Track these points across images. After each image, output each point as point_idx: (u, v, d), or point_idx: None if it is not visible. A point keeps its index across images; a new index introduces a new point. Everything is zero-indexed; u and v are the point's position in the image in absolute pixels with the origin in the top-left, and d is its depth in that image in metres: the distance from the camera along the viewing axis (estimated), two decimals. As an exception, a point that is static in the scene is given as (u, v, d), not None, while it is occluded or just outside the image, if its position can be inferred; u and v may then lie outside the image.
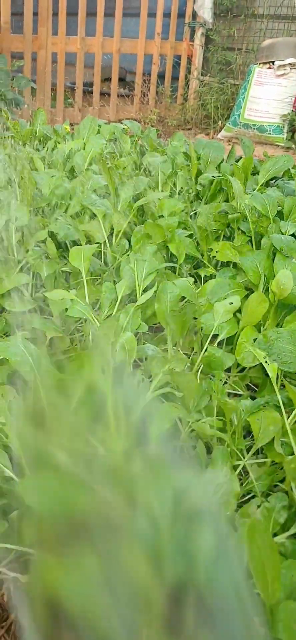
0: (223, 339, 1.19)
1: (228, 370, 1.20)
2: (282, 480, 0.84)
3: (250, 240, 1.50)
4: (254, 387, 1.17)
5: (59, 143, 1.98)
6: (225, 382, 1.18)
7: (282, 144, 4.68)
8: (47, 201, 1.34)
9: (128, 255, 1.23)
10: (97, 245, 1.21)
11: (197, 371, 1.08)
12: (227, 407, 0.82)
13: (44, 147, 1.99)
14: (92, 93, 4.68)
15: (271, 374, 0.85)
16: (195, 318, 1.11)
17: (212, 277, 1.42)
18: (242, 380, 1.18)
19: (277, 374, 0.95)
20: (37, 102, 4.20)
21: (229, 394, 1.14)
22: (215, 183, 1.74)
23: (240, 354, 0.99)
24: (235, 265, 1.47)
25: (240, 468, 0.83)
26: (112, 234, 1.46)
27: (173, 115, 4.96)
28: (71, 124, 3.34)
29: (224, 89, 5.09)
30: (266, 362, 0.85)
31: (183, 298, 1.29)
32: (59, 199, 1.42)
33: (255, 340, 1.00)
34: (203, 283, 1.42)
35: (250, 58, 5.07)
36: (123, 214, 1.42)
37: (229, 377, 1.19)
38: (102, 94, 4.75)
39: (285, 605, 0.51)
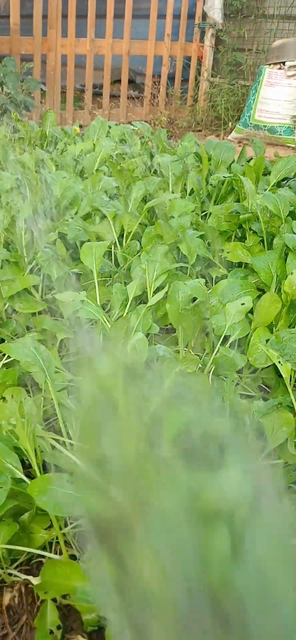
0: (235, 340, 1.18)
1: (240, 371, 1.19)
2: (295, 482, 0.82)
3: (262, 241, 1.48)
4: (266, 389, 1.15)
5: (68, 145, 1.98)
6: (237, 384, 1.16)
7: (293, 145, 4.64)
8: (58, 203, 1.34)
9: (139, 256, 1.23)
10: (109, 242, 1.20)
11: (209, 372, 1.07)
12: (239, 409, 0.81)
13: (54, 149, 1.99)
14: (101, 95, 4.69)
15: (285, 375, 0.83)
16: (207, 319, 1.10)
17: (223, 278, 1.41)
18: (254, 381, 1.16)
19: (290, 375, 0.94)
20: (47, 104, 4.22)
21: (241, 395, 1.12)
22: (226, 183, 1.73)
23: (252, 355, 0.98)
24: (246, 265, 1.46)
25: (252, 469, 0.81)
26: (122, 235, 1.45)
27: (183, 117, 4.95)
28: (81, 126, 3.35)
29: (234, 90, 5.07)
30: (279, 362, 0.84)
31: (195, 299, 1.28)
32: (69, 201, 1.41)
33: (267, 341, 0.99)
34: (215, 284, 1.41)
35: (261, 59, 5.04)
36: (134, 215, 1.41)
37: (241, 378, 1.18)
38: (112, 96, 4.76)
39: None
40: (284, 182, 2.10)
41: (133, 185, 1.42)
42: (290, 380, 0.99)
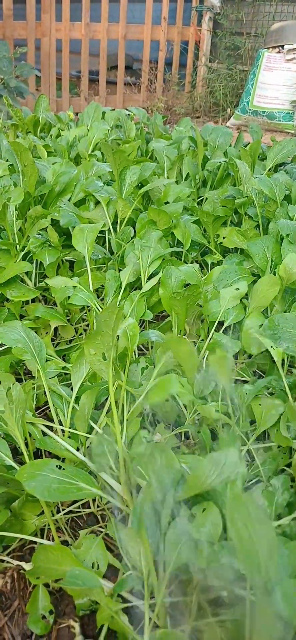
0: (230, 326, 1.17)
1: (236, 356, 1.18)
2: (289, 465, 0.82)
3: (258, 226, 1.47)
4: (261, 374, 1.15)
5: (62, 130, 1.96)
6: (232, 369, 1.16)
7: (292, 131, 4.60)
8: (50, 188, 1.33)
9: (133, 242, 1.21)
10: (101, 225, 1.19)
11: (203, 358, 1.06)
12: (231, 392, 0.80)
13: (47, 135, 1.97)
14: (98, 82, 4.64)
15: (277, 359, 0.83)
16: (201, 306, 1.09)
17: (218, 263, 1.40)
18: (249, 366, 1.16)
19: (283, 360, 0.93)
20: (42, 91, 4.18)
21: (236, 381, 1.12)
22: (222, 168, 1.71)
23: (246, 341, 0.97)
24: (242, 251, 1.44)
25: (243, 452, 0.81)
26: (116, 221, 1.44)
27: (181, 103, 4.89)
28: (76, 113, 3.31)
29: (233, 75, 5.01)
30: (271, 347, 0.83)
31: (189, 285, 1.27)
32: (62, 186, 1.40)
33: (260, 326, 0.98)
34: (210, 269, 1.40)
35: (259, 43, 4.98)
36: (128, 201, 1.39)
37: (236, 363, 1.17)
38: (109, 82, 4.71)
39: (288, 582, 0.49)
40: (281, 167, 2.08)
41: (128, 170, 1.41)
42: (283, 365, 0.99)
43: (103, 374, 0.75)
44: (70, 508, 0.82)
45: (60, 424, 0.84)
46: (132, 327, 0.86)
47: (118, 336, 0.87)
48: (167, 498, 0.68)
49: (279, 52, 4.69)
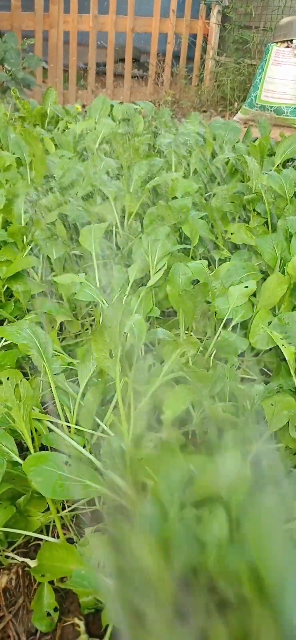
0: (238, 324, 1.16)
1: (242, 355, 1.17)
2: (297, 468, 0.81)
3: (266, 222, 1.45)
4: (268, 372, 1.14)
5: (69, 123, 1.94)
6: (239, 367, 1.15)
7: (300, 126, 4.56)
8: (58, 183, 1.32)
9: (141, 237, 1.20)
10: (108, 224, 1.18)
11: (210, 356, 1.05)
12: (239, 393, 0.79)
13: (55, 128, 1.95)
14: (105, 74, 4.61)
15: (288, 358, 0.82)
16: (209, 302, 1.08)
17: (226, 260, 1.38)
18: (256, 365, 1.15)
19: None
20: (50, 83, 4.15)
21: (243, 379, 1.11)
22: (231, 164, 1.69)
23: (254, 338, 0.96)
24: (250, 248, 1.43)
25: (251, 454, 0.80)
26: (124, 216, 1.43)
27: (189, 97, 4.86)
28: (83, 106, 3.29)
29: (240, 69, 4.96)
30: (283, 345, 0.82)
31: (197, 281, 1.26)
32: (70, 181, 1.39)
33: (269, 323, 0.97)
34: (218, 266, 1.39)
35: (268, 37, 4.93)
36: (136, 196, 1.38)
37: (243, 361, 1.16)
38: (116, 75, 4.68)
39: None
40: (289, 163, 2.06)
41: (135, 165, 1.39)
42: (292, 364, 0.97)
43: (110, 370, 0.74)
44: (76, 505, 0.82)
45: (67, 421, 0.84)
46: (139, 323, 0.85)
47: (125, 333, 0.86)
48: (175, 499, 0.67)
49: (288, 46, 4.64)
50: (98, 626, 0.70)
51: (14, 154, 1.53)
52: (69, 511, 0.81)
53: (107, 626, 0.67)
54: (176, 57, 4.88)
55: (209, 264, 1.50)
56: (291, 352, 0.82)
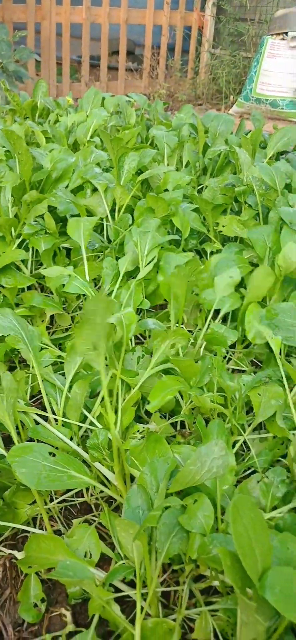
0: (228, 315, 1.16)
1: (233, 346, 1.17)
2: (284, 456, 0.81)
3: (257, 215, 1.45)
4: (258, 363, 1.14)
5: (60, 116, 1.93)
6: (230, 359, 1.15)
7: (295, 120, 4.54)
8: (46, 175, 1.31)
9: (131, 230, 1.20)
10: (98, 218, 1.17)
11: (200, 347, 1.05)
12: (225, 386, 0.79)
13: (45, 120, 1.94)
14: (99, 67, 4.58)
15: (275, 348, 0.82)
16: (197, 294, 1.08)
17: (218, 252, 1.38)
18: (247, 356, 1.15)
19: (280, 349, 0.92)
20: (42, 76, 4.13)
21: (233, 370, 1.11)
22: (223, 156, 1.69)
23: (248, 332, 0.96)
24: (242, 240, 1.43)
25: (239, 443, 0.80)
26: (115, 208, 1.42)
27: (184, 90, 4.84)
28: (76, 99, 3.28)
29: (236, 62, 4.94)
30: (270, 337, 0.82)
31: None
32: (59, 173, 1.38)
33: (259, 316, 0.97)
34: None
35: (263, 29, 4.90)
36: (127, 188, 1.38)
37: (234, 353, 1.16)
38: (110, 68, 4.65)
39: (276, 570, 0.49)
40: (283, 155, 2.05)
41: (126, 157, 1.39)
42: (281, 354, 0.98)
43: (94, 363, 0.73)
44: (64, 497, 0.82)
45: (54, 413, 0.84)
46: (128, 315, 0.85)
47: (115, 326, 0.85)
48: (160, 489, 0.67)
49: (283, 39, 4.62)
50: (85, 616, 0.70)
51: (3, 147, 1.52)
52: (57, 503, 0.81)
53: (93, 616, 0.67)
54: (171, 49, 4.85)
55: (200, 256, 1.50)
56: (278, 342, 0.82)
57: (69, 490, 0.83)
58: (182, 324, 1.16)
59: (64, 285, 1.03)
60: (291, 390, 0.85)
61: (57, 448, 0.78)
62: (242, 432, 0.81)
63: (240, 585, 0.50)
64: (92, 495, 0.85)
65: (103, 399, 0.87)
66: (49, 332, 1.16)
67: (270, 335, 0.82)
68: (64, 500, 0.82)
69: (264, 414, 0.78)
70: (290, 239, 1.18)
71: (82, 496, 0.84)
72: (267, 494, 0.68)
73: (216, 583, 0.68)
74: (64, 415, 0.82)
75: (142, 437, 0.80)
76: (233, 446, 0.83)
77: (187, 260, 1.05)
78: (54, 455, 0.67)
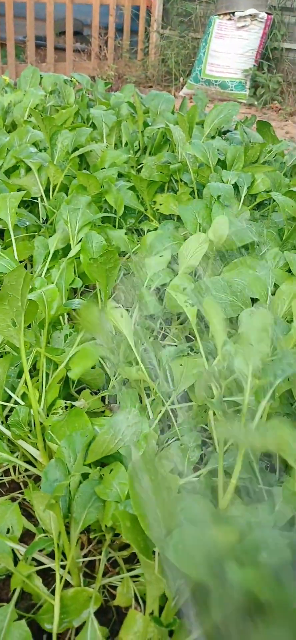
0: (159, 289, 1.17)
1: (169, 322, 1.19)
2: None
3: (193, 192, 1.47)
4: (193, 339, 1.16)
5: (-4, 95, 1.87)
6: (165, 335, 1.17)
7: (244, 101, 4.59)
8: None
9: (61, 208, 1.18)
10: (23, 193, 1.15)
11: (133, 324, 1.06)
12: (144, 356, 0.81)
13: (-20, 100, 1.88)
14: (45, 47, 4.46)
15: (191, 318, 0.83)
16: (127, 273, 1.08)
17: (155, 230, 1.39)
18: (182, 332, 1.17)
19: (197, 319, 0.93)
20: (-14, 57, 3.98)
21: (169, 346, 1.13)
22: (160, 134, 1.69)
23: (170, 301, 0.98)
24: (179, 218, 1.44)
25: (162, 412, 0.82)
26: (49, 188, 1.40)
27: (133, 71, 4.79)
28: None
29: (185, 43, 4.93)
30: (186, 305, 0.84)
31: (124, 253, 1.26)
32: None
33: (185, 289, 0.99)
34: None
35: (211, 9, 4.91)
36: (60, 166, 1.36)
37: (170, 329, 1.18)
38: (58, 48, 4.53)
39: (180, 531, 0.50)
40: (225, 134, 2.08)
41: (59, 135, 1.36)
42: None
43: (14, 340, 0.73)
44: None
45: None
46: (49, 292, 0.84)
47: (37, 304, 0.84)
48: (77, 460, 0.68)
49: (230, 19, 4.64)
50: (8, 591, 0.70)
51: None
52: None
53: (14, 590, 0.67)
54: (119, 30, 4.78)
55: (139, 235, 1.50)
56: (193, 312, 0.84)
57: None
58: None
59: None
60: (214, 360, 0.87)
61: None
62: (164, 402, 0.83)
63: (142, 546, 0.51)
64: (20, 473, 0.85)
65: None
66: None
67: (185, 304, 0.83)
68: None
69: (185, 383, 0.80)
70: (220, 214, 1.20)
71: (10, 475, 0.84)
72: (184, 459, 0.70)
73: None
74: (-14, 396, 0.81)
75: (64, 413, 0.80)
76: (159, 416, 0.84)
77: (116, 237, 1.05)
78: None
